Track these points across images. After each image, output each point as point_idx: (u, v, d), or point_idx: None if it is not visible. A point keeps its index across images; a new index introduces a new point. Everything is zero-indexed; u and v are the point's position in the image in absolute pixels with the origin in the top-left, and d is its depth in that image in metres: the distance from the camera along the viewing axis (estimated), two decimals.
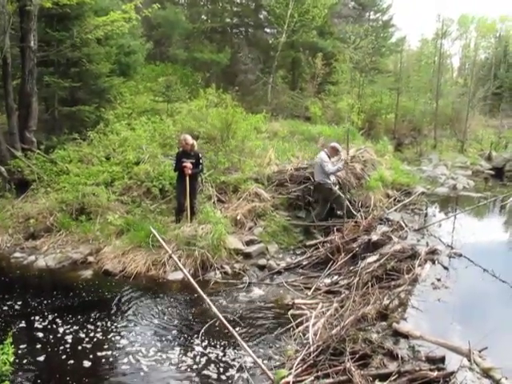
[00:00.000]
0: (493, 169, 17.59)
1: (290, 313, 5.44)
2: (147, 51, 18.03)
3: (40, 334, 5.04)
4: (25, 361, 4.48)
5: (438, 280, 5.78)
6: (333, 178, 8.57)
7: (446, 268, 6.20)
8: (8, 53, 9.60)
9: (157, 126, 11.81)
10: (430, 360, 3.97)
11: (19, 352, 4.44)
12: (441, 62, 25.31)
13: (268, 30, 24.11)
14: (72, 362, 4.53)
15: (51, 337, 5.00)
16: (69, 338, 4.97)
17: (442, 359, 3.95)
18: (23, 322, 5.32)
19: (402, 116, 21.23)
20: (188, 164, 7.65)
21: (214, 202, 8.80)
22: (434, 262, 6.30)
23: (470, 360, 3.90)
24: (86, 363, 4.52)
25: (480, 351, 4.01)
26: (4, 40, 9.36)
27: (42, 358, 4.57)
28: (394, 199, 10.05)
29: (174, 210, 8.14)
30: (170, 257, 6.04)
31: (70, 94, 11.47)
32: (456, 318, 4.73)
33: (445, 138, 20.44)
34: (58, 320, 5.39)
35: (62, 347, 4.79)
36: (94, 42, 11.61)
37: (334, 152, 8.61)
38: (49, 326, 5.23)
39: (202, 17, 23.87)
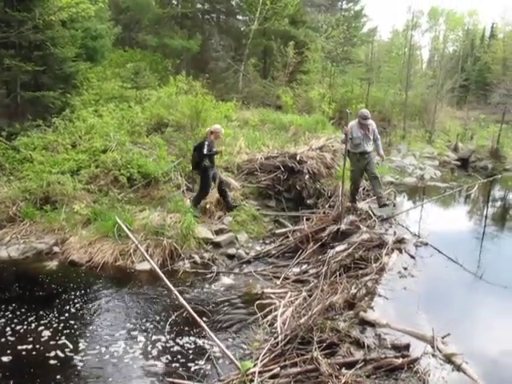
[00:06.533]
0: (459, 159, 18.09)
1: (257, 302, 5.44)
2: (115, 36, 17.50)
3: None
4: None
5: (405, 269, 5.86)
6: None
7: (412, 257, 6.30)
8: None
9: (125, 113, 11.54)
10: (396, 347, 4.03)
11: None
12: (411, 53, 25.64)
13: (240, 17, 23.71)
14: (35, 355, 4.41)
15: (12, 330, 4.84)
16: (31, 331, 4.84)
17: (407, 346, 4.01)
18: None
19: (372, 106, 21.40)
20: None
21: (183, 191, 8.71)
22: (401, 251, 6.38)
23: (433, 346, 3.99)
24: (51, 356, 4.40)
25: (443, 338, 4.10)
26: None
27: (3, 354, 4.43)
28: (363, 189, 10.14)
29: (195, 199, 8.25)
30: (137, 247, 5.93)
31: (33, 78, 10.98)
32: (421, 306, 4.82)
33: (413, 129, 20.74)
34: (20, 313, 5.23)
35: (23, 340, 4.65)
36: (58, 24, 11.10)
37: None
38: (11, 320, 5.06)
39: (173, 1, 23.26)
